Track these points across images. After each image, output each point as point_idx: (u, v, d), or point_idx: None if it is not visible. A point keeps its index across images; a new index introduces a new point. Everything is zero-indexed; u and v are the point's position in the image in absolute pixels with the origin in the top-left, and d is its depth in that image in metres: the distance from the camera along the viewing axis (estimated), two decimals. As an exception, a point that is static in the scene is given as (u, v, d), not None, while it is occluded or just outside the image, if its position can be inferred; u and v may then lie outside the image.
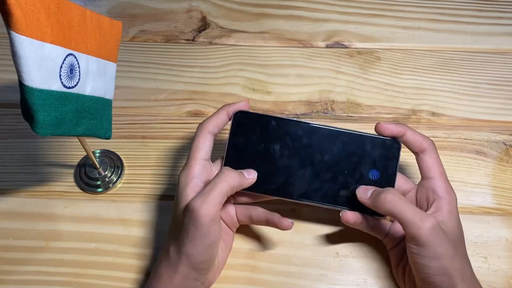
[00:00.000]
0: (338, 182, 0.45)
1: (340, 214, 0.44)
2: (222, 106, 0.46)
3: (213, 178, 0.41)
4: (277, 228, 0.44)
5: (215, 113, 0.45)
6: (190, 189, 0.42)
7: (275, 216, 0.44)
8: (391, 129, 0.44)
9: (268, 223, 0.44)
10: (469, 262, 0.42)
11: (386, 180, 0.45)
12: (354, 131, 0.45)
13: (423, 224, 0.38)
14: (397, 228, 0.46)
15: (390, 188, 0.42)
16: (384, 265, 0.48)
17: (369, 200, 0.42)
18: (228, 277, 0.46)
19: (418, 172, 0.45)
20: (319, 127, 0.45)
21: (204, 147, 0.44)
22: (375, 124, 0.45)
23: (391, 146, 0.44)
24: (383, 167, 0.45)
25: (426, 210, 0.43)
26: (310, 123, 0.45)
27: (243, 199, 0.46)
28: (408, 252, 0.41)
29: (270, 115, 0.45)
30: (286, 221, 0.44)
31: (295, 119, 0.45)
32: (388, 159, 0.45)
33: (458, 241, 0.41)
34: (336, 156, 0.45)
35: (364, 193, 0.43)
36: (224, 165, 0.45)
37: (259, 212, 0.45)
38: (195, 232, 0.39)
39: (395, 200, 0.40)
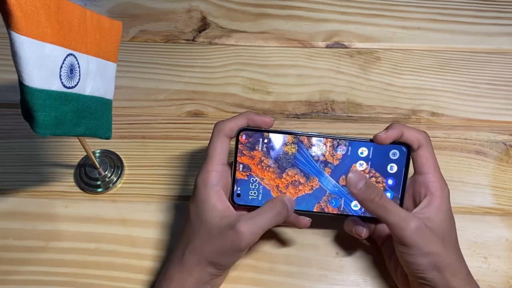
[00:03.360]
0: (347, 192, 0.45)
1: (353, 229, 0.45)
2: (245, 112, 0.45)
3: (266, 207, 0.42)
4: (295, 227, 0.45)
5: (235, 116, 0.44)
6: (215, 199, 0.42)
7: (292, 216, 0.44)
8: (390, 136, 0.44)
9: (285, 222, 0.45)
10: (461, 254, 0.42)
11: (396, 186, 0.45)
12: (358, 138, 0.45)
13: (406, 225, 0.39)
14: (383, 225, 0.46)
15: (376, 187, 0.42)
16: (384, 265, 0.48)
17: (358, 194, 0.41)
18: (229, 277, 0.46)
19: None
20: (323, 137, 0.45)
21: (222, 151, 0.43)
22: (374, 134, 0.44)
23: (399, 151, 0.45)
24: (392, 173, 0.45)
25: (418, 205, 0.43)
26: (313, 134, 0.45)
27: None
28: (396, 251, 0.41)
29: (274, 130, 0.45)
30: (304, 219, 0.44)
31: (299, 131, 0.45)
32: (397, 164, 0.45)
33: (447, 235, 0.41)
34: (343, 165, 0.45)
35: (355, 185, 0.41)
36: (232, 186, 0.45)
37: None
38: (230, 251, 0.40)
39: (380, 202, 0.40)
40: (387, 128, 0.44)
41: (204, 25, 0.65)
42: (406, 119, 0.57)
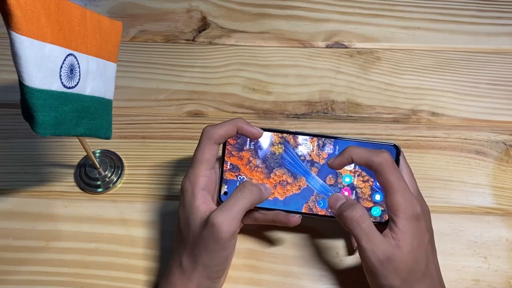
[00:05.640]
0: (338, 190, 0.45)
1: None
2: (236, 119, 0.44)
3: (235, 192, 0.41)
4: (285, 225, 0.44)
5: (225, 123, 0.43)
6: (200, 201, 0.42)
7: (282, 214, 0.44)
8: (340, 163, 0.42)
9: (275, 221, 0.45)
10: (427, 284, 0.40)
11: None
12: (349, 138, 0.45)
13: (373, 255, 0.39)
14: None
15: (357, 206, 0.40)
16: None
17: (336, 212, 0.42)
18: (229, 277, 0.46)
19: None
20: (309, 135, 0.45)
21: (210, 157, 0.43)
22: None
23: (388, 150, 0.44)
24: None
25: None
26: (304, 133, 0.45)
27: (245, 220, 0.46)
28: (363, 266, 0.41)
29: (264, 128, 0.45)
30: (294, 217, 0.44)
31: (290, 130, 0.45)
32: None
33: (412, 266, 0.39)
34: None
35: (333, 203, 0.42)
36: (220, 185, 0.45)
37: (263, 212, 0.45)
38: (214, 246, 0.40)
39: (355, 222, 0.39)
40: (338, 156, 0.42)
41: (204, 25, 0.65)
42: (406, 119, 0.57)
